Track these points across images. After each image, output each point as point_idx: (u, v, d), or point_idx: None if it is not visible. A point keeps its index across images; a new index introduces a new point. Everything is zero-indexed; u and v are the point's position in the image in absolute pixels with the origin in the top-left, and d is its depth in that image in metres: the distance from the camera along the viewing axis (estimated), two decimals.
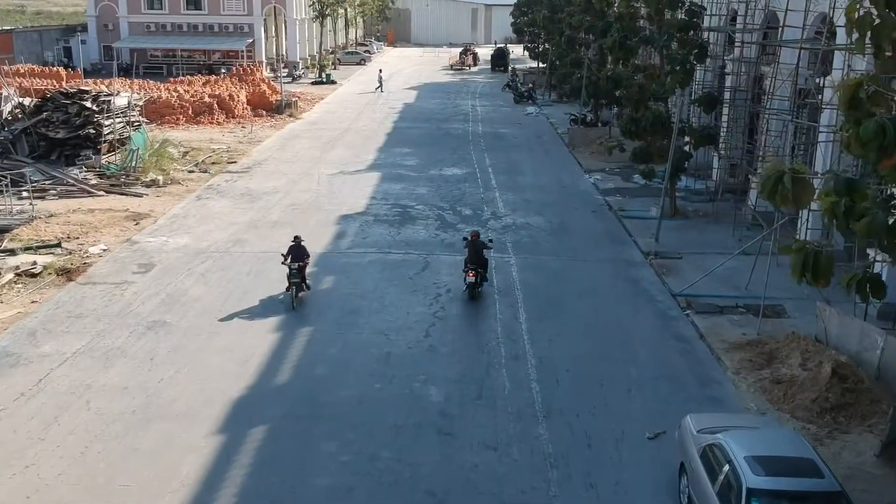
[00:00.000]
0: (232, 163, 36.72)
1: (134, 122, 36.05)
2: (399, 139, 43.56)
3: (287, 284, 19.67)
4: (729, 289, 21.48)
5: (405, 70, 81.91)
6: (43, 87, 44.24)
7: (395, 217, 28.15)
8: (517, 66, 79.76)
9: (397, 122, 49.42)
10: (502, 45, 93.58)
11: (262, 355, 17.11)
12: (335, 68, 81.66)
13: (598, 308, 20.15)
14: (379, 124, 48.63)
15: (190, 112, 47.15)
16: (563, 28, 46.24)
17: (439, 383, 16.09)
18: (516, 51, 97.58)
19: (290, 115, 50.04)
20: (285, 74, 71.26)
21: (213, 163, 36.43)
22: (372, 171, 35.57)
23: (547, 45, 66.67)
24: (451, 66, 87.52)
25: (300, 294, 19.75)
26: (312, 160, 37.56)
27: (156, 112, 46.66)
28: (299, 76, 71.37)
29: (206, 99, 48.15)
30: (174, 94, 48.67)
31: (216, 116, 47.41)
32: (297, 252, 19.93)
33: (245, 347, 17.46)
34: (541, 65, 73.15)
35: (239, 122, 47.74)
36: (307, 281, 20.22)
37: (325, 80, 69.49)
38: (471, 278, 19.91)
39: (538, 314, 19.63)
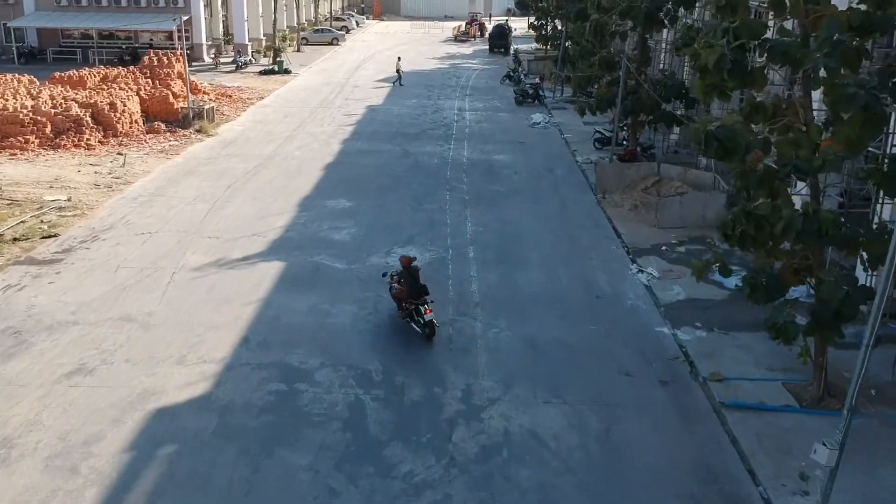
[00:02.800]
0: (50, 236, 22.37)
1: None
2: (340, 178, 29.06)
3: None
4: None
5: (383, 53, 66.92)
6: None
7: (266, 419, 13.86)
8: (520, 48, 64.76)
9: (348, 143, 34.80)
10: (502, 22, 78.41)
11: None
12: (299, 50, 66.82)
13: None
14: (322, 145, 34.09)
15: (48, 130, 32.72)
16: (585, 9, 31.48)
17: None
18: (520, 25, 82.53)
19: (198, 131, 35.52)
20: (229, 61, 57.04)
21: (16, 238, 22.14)
22: (271, 257, 21.16)
23: (559, 27, 51.92)
24: (455, 37, 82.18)
25: None
26: (185, 229, 23.18)
27: None
28: (245, 64, 56.51)
29: (74, 111, 33.61)
30: (29, 102, 34.13)
31: (86, 136, 32.90)
32: None
33: None
34: (549, 49, 58.41)
35: (121, 144, 33.34)
36: None
37: (277, 69, 54.74)
38: (429, 315, 16.07)
39: None
